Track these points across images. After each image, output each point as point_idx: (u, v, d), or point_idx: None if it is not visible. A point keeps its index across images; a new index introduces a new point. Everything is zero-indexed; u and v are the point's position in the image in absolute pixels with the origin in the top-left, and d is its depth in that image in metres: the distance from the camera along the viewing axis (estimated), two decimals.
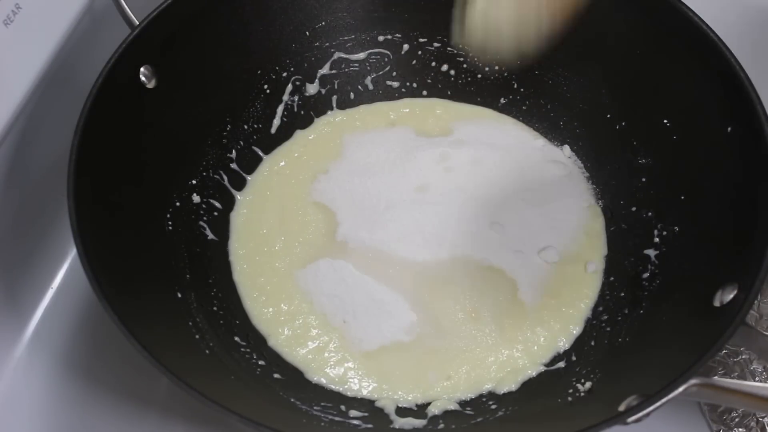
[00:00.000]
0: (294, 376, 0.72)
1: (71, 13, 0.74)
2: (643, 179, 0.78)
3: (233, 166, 0.83)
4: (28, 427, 0.73)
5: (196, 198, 0.78)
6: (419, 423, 0.67)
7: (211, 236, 0.79)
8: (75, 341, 0.77)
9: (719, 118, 0.69)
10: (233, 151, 0.83)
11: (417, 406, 0.69)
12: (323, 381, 0.71)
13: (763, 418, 0.72)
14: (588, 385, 0.67)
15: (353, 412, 0.68)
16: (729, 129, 0.67)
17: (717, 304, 0.60)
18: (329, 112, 0.89)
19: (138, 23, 0.71)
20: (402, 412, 0.69)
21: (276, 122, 0.86)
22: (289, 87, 0.87)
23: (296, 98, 0.87)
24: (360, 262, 0.77)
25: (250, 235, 0.80)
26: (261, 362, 0.71)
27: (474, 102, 0.89)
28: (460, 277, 0.76)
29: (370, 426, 0.66)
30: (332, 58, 0.88)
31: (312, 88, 0.88)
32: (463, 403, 0.70)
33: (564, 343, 0.73)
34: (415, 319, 0.74)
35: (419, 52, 0.89)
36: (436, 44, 0.89)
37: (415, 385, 0.70)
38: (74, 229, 0.60)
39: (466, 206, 0.81)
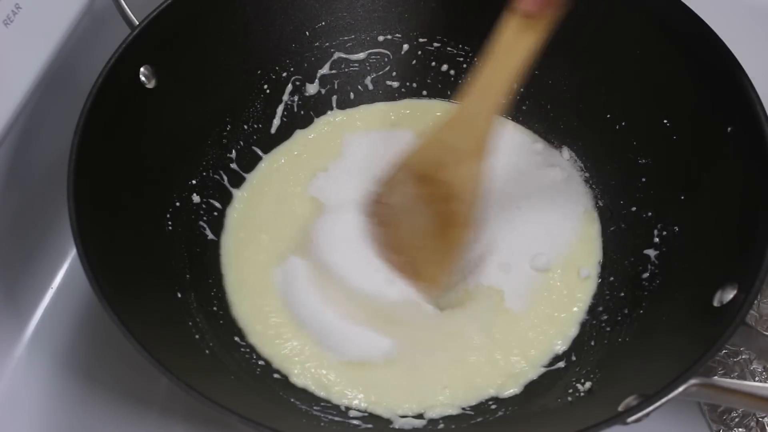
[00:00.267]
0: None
1: (71, 13, 0.74)
2: (643, 179, 0.78)
3: (233, 166, 0.83)
4: (28, 427, 0.73)
5: (196, 198, 0.78)
6: (419, 423, 0.67)
7: (211, 236, 0.79)
8: (75, 341, 0.77)
9: (719, 118, 0.69)
10: (233, 151, 0.83)
11: (415, 413, 0.69)
12: (309, 386, 0.70)
13: (763, 418, 0.72)
14: (588, 385, 0.67)
15: (353, 412, 0.68)
16: (729, 129, 0.67)
17: (717, 304, 0.60)
18: (329, 112, 0.89)
19: (138, 23, 0.71)
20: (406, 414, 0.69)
21: (276, 122, 0.86)
22: (289, 87, 0.87)
23: (296, 98, 0.87)
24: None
25: (242, 227, 0.80)
26: (261, 362, 0.71)
27: None
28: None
29: (370, 426, 0.66)
30: (332, 58, 0.88)
31: (312, 88, 0.88)
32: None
33: (561, 346, 0.73)
34: (390, 341, 0.71)
35: (419, 52, 0.89)
36: (436, 44, 0.89)
37: (409, 396, 0.69)
38: (74, 229, 0.60)
39: None
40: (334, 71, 0.89)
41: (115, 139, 0.69)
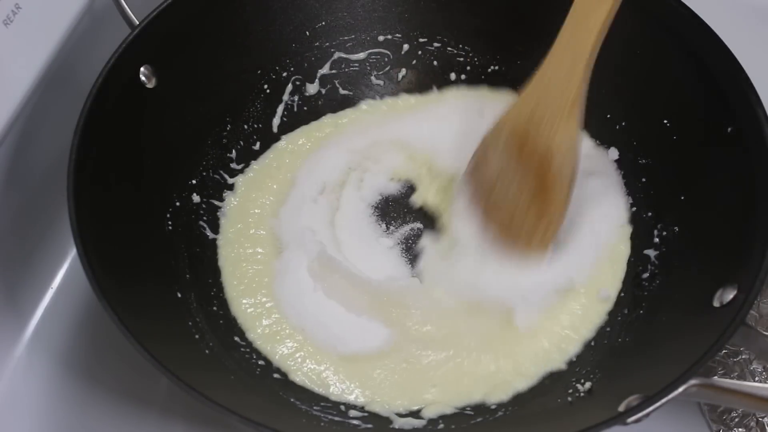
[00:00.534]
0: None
1: (71, 13, 0.74)
2: (643, 179, 0.78)
3: (233, 165, 0.83)
4: (28, 427, 0.73)
5: (196, 198, 0.78)
6: (419, 423, 0.67)
7: (211, 236, 0.78)
8: (75, 341, 0.77)
9: (719, 118, 0.69)
10: (233, 151, 0.83)
11: (409, 411, 0.68)
12: (306, 383, 0.70)
13: (763, 418, 0.72)
14: (588, 385, 0.67)
15: (353, 412, 0.68)
16: (729, 129, 0.67)
17: (717, 304, 0.60)
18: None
19: (138, 23, 0.71)
20: (401, 413, 0.68)
21: (276, 122, 0.86)
22: (289, 87, 0.87)
23: (296, 98, 0.87)
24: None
25: (240, 218, 0.80)
26: (261, 362, 0.71)
27: None
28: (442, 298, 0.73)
29: (369, 426, 0.66)
30: (332, 58, 0.88)
31: (312, 88, 0.88)
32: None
33: (559, 363, 0.70)
34: (387, 332, 0.71)
35: (419, 52, 0.89)
36: (436, 44, 0.89)
37: (400, 392, 0.69)
38: (74, 229, 0.60)
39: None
40: (334, 71, 0.89)
41: (115, 139, 0.69)
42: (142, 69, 0.71)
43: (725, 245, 0.65)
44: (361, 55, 0.89)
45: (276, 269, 0.76)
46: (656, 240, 0.75)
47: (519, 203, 0.72)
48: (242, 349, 0.72)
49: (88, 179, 0.63)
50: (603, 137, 0.82)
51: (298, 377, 0.70)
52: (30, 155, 0.76)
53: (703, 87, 0.71)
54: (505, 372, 0.70)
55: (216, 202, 0.80)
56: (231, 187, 0.82)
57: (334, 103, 0.89)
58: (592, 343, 0.72)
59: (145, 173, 0.72)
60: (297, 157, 0.84)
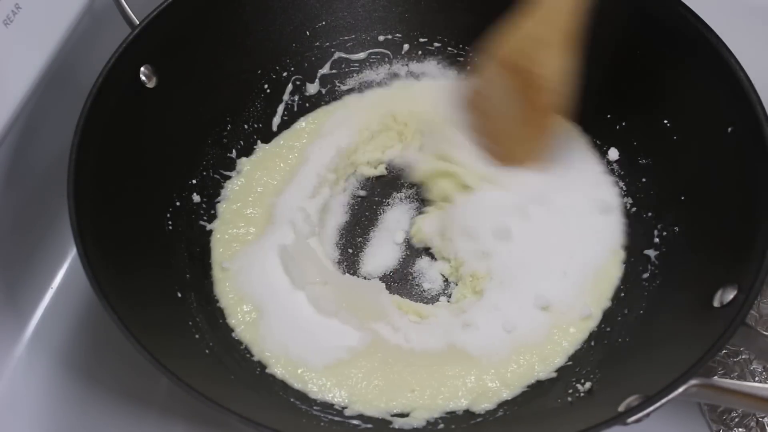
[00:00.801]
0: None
1: (71, 13, 0.74)
2: (643, 179, 0.78)
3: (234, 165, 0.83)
4: (28, 427, 0.73)
5: (196, 197, 0.78)
6: (418, 423, 0.67)
7: (209, 227, 0.78)
8: (75, 341, 0.77)
9: (719, 118, 0.69)
10: (233, 150, 0.83)
11: (394, 415, 0.67)
12: (286, 377, 0.69)
13: (763, 418, 0.72)
14: (588, 385, 0.67)
15: (348, 411, 0.68)
16: (729, 129, 0.67)
17: (717, 304, 0.60)
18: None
19: (138, 23, 0.71)
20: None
21: (276, 121, 0.86)
22: (290, 87, 0.87)
23: (296, 98, 0.87)
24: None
25: (241, 197, 0.80)
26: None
27: None
28: None
29: (369, 426, 0.66)
30: (332, 58, 0.88)
31: (312, 88, 0.88)
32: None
33: (543, 374, 0.69)
34: (359, 335, 0.70)
35: (419, 52, 0.89)
36: (436, 44, 0.89)
37: (378, 394, 0.68)
38: (74, 229, 0.60)
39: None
40: (334, 71, 0.89)
41: (115, 139, 0.69)
42: (142, 69, 0.71)
43: (725, 245, 0.65)
44: (362, 55, 0.89)
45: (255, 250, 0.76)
46: (656, 240, 0.75)
47: (514, 123, 0.75)
48: (242, 349, 0.71)
49: (88, 179, 0.64)
50: (603, 137, 0.82)
51: (278, 370, 0.69)
52: (30, 155, 0.76)
53: (703, 87, 0.71)
54: (486, 381, 0.69)
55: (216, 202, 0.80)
56: (234, 170, 0.82)
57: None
58: (592, 343, 0.72)
59: (145, 173, 0.72)
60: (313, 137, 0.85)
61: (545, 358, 0.70)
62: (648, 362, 0.65)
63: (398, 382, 0.69)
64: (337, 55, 0.88)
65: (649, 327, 0.69)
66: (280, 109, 0.86)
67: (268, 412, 0.64)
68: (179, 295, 0.71)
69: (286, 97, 0.87)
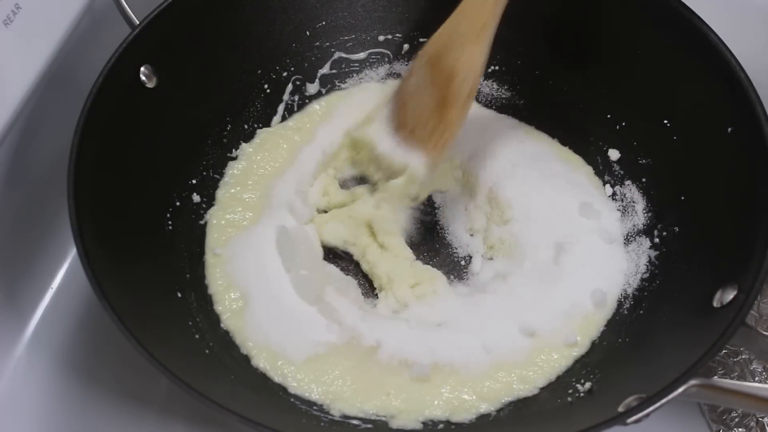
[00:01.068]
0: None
1: (71, 13, 0.74)
2: (643, 179, 0.78)
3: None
4: (28, 427, 0.73)
5: (196, 197, 0.78)
6: (418, 424, 0.67)
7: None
8: (75, 341, 0.77)
9: (719, 118, 0.69)
10: (233, 150, 0.83)
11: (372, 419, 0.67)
12: (268, 369, 0.69)
13: (762, 418, 0.72)
14: (588, 385, 0.67)
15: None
16: (729, 129, 0.67)
17: (717, 304, 0.60)
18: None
19: (138, 23, 0.71)
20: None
21: (276, 121, 0.86)
22: (290, 86, 0.87)
23: (296, 98, 0.87)
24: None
25: (241, 181, 0.81)
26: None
27: (474, 101, 0.89)
28: None
29: (369, 426, 0.66)
30: (332, 58, 0.88)
31: (312, 88, 0.88)
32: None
33: (524, 392, 0.68)
34: (337, 330, 0.71)
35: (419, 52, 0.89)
36: None
37: (354, 394, 0.67)
38: (74, 229, 0.60)
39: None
40: (334, 71, 0.89)
41: (115, 139, 0.69)
42: (142, 69, 0.71)
43: (725, 245, 0.65)
44: (362, 55, 0.89)
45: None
46: (656, 240, 0.75)
47: (425, 112, 0.75)
48: (242, 349, 0.72)
49: (88, 179, 0.64)
50: (603, 137, 0.82)
51: (261, 363, 0.69)
52: (30, 155, 0.76)
53: (703, 87, 0.71)
54: (461, 394, 0.68)
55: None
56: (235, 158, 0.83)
57: None
58: (595, 342, 0.72)
59: (145, 173, 0.72)
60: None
61: (525, 378, 0.69)
62: (648, 362, 0.65)
63: (373, 383, 0.68)
64: (337, 55, 0.88)
65: (649, 327, 0.69)
66: (280, 109, 0.86)
67: (268, 412, 0.64)
68: (179, 295, 0.71)
69: (286, 97, 0.87)
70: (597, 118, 0.82)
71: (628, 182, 0.80)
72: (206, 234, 0.77)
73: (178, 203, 0.76)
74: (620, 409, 0.56)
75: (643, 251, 0.75)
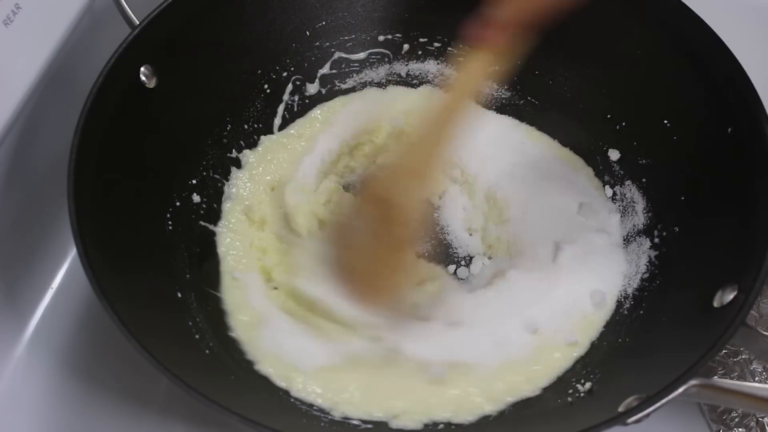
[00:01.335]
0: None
1: (71, 13, 0.74)
2: (643, 179, 0.78)
3: (234, 166, 0.83)
4: (27, 427, 0.73)
5: (196, 198, 0.78)
6: (418, 424, 0.67)
7: (211, 227, 0.78)
8: (75, 341, 0.77)
9: (719, 119, 0.69)
10: (233, 150, 0.83)
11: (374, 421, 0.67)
12: (272, 375, 0.68)
13: (763, 418, 0.72)
14: (588, 385, 0.67)
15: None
16: (729, 129, 0.68)
17: (717, 304, 0.60)
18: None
19: (138, 23, 0.71)
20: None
21: (277, 122, 0.86)
22: (290, 87, 0.87)
23: (296, 98, 0.87)
24: None
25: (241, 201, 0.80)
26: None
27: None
28: None
29: (369, 426, 0.66)
30: (332, 58, 0.88)
31: (312, 88, 0.88)
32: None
33: (530, 392, 0.68)
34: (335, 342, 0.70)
35: (419, 52, 0.89)
36: (436, 44, 0.89)
37: (361, 400, 0.67)
38: (74, 229, 0.60)
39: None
40: (334, 71, 0.89)
41: (115, 139, 0.69)
42: (142, 69, 0.71)
43: (725, 245, 0.65)
44: (361, 55, 0.89)
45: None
46: (656, 240, 0.75)
47: (372, 255, 0.72)
48: (236, 346, 0.71)
49: (88, 179, 0.63)
50: (603, 137, 0.82)
51: (264, 367, 0.69)
52: (30, 155, 0.76)
53: (703, 87, 0.71)
54: (470, 395, 0.68)
55: (216, 203, 0.80)
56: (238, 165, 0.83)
57: None
58: (594, 342, 0.72)
59: (145, 173, 0.72)
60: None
61: (530, 378, 0.69)
62: (648, 362, 0.65)
63: (387, 387, 0.68)
64: (337, 55, 0.88)
65: (649, 327, 0.69)
66: (280, 109, 0.86)
67: (268, 412, 0.64)
68: (179, 295, 0.71)
69: (286, 97, 0.87)
70: (597, 118, 0.82)
71: (628, 182, 0.80)
72: (219, 257, 0.77)
73: (178, 203, 0.76)
74: (620, 409, 0.56)
75: (643, 251, 0.75)
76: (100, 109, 0.66)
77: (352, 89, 0.89)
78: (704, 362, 0.54)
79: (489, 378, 0.69)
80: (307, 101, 0.88)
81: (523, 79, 0.87)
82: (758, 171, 0.64)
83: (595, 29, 0.77)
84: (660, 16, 0.73)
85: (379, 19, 0.88)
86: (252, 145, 0.84)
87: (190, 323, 0.69)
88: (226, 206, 0.80)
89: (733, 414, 0.72)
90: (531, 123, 0.87)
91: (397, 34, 0.89)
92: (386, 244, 0.70)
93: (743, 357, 0.75)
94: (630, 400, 0.56)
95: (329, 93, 0.89)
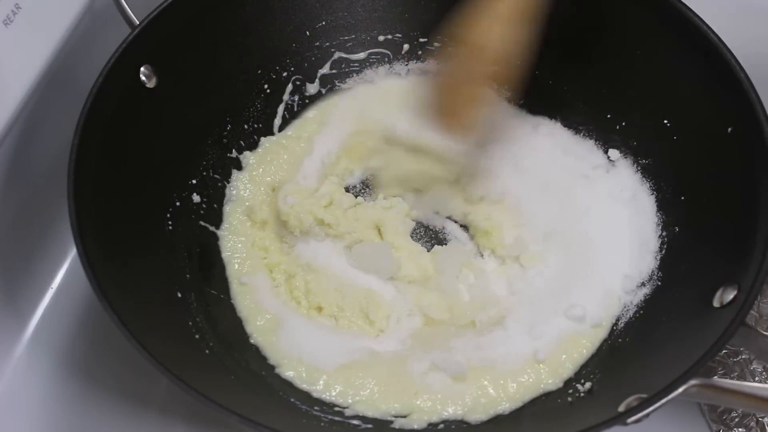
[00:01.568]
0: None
1: (71, 13, 0.74)
2: (643, 179, 0.78)
3: (234, 166, 0.83)
4: (27, 427, 0.73)
5: (196, 198, 0.78)
6: (418, 424, 0.67)
7: (211, 229, 0.79)
8: (75, 341, 0.77)
9: (719, 118, 0.69)
10: (233, 150, 0.83)
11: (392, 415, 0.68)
12: (294, 378, 0.69)
13: (763, 418, 0.72)
14: (588, 385, 0.67)
15: (348, 411, 0.68)
16: (729, 129, 0.67)
17: (717, 304, 0.60)
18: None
19: (138, 23, 0.71)
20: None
21: (277, 122, 0.86)
22: (290, 87, 0.87)
23: (296, 98, 0.87)
24: None
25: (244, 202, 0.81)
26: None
27: None
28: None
29: (369, 426, 0.66)
30: (332, 58, 0.88)
31: (312, 88, 0.88)
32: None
33: (551, 385, 0.69)
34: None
35: (419, 52, 0.89)
36: (436, 44, 0.88)
37: (383, 397, 0.68)
38: (74, 229, 0.60)
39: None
40: (334, 71, 0.89)
41: (115, 139, 0.69)
42: (142, 69, 0.71)
43: (725, 245, 0.65)
44: (362, 55, 0.89)
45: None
46: (656, 240, 0.75)
47: (455, 87, 0.74)
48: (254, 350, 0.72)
49: (88, 179, 0.64)
50: (603, 137, 0.82)
51: (285, 371, 0.70)
52: (30, 155, 0.76)
53: (703, 87, 0.71)
54: (488, 391, 0.68)
55: (216, 203, 0.80)
56: (239, 166, 0.83)
57: None
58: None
59: (145, 173, 0.72)
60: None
61: (554, 370, 0.69)
62: (648, 362, 0.65)
63: (406, 384, 0.69)
64: (337, 55, 0.88)
65: (649, 327, 0.69)
66: (280, 109, 0.86)
67: (268, 412, 0.64)
68: (179, 295, 0.71)
69: (286, 97, 0.87)
70: (597, 118, 0.82)
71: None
72: (224, 262, 0.77)
73: (178, 203, 0.76)
74: (620, 409, 0.56)
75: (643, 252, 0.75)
76: (100, 109, 0.66)
77: (352, 89, 0.89)
78: (704, 362, 0.54)
79: (514, 372, 0.69)
80: (307, 101, 0.88)
81: (522, 79, 0.87)
82: (758, 171, 0.64)
83: (595, 29, 0.77)
84: (660, 16, 0.73)
85: (379, 19, 0.88)
86: (252, 146, 0.84)
87: (190, 323, 0.69)
88: (227, 208, 0.80)
89: (733, 414, 0.72)
90: (531, 123, 0.87)
91: (397, 34, 0.89)
92: (467, 79, 0.72)
93: (743, 357, 0.75)
94: (630, 400, 0.56)
95: (329, 93, 0.89)
